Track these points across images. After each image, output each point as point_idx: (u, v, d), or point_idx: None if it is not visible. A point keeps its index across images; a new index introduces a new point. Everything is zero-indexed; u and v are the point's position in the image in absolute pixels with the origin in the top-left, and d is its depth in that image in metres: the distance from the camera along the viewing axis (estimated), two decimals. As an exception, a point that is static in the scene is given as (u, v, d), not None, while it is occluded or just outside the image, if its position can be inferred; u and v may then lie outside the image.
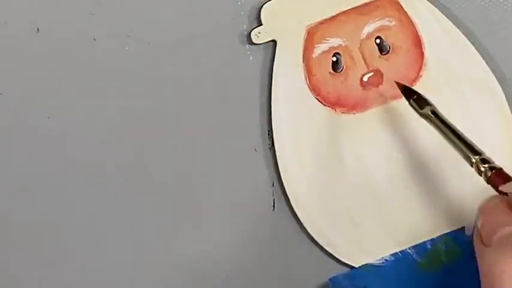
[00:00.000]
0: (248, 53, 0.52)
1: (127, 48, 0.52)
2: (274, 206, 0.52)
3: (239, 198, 0.52)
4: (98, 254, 0.53)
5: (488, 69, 0.51)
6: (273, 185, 0.52)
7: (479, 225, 0.45)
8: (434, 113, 0.47)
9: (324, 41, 0.50)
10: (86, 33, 0.52)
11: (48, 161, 0.52)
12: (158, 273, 0.53)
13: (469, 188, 0.50)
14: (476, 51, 0.51)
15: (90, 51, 0.52)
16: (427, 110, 0.47)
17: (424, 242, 0.51)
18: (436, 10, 0.51)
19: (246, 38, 0.52)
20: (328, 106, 0.51)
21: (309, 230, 0.51)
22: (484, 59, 0.51)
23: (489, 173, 0.45)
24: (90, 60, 0.52)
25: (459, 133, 0.47)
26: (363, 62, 0.51)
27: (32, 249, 0.53)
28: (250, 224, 0.52)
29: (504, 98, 0.51)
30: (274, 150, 0.51)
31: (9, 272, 0.53)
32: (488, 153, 0.49)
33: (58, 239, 0.53)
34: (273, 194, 0.52)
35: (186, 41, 0.52)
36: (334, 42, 0.50)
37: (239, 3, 0.52)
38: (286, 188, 0.51)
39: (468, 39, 0.51)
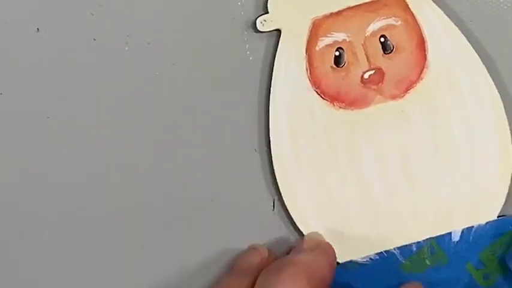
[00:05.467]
0: (248, 53, 0.52)
1: (127, 48, 0.52)
2: (274, 206, 0.52)
3: (239, 199, 0.52)
4: (96, 254, 0.53)
5: (488, 76, 0.51)
6: (273, 185, 0.52)
7: None
8: None
9: (328, 35, 0.50)
10: (86, 33, 0.52)
11: (48, 161, 0.52)
12: (157, 272, 0.53)
13: (460, 194, 0.51)
14: (479, 58, 0.51)
15: (90, 51, 0.52)
16: None
17: (410, 244, 0.51)
18: (443, 14, 0.51)
19: (246, 38, 0.52)
20: (327, 100, 0.51)
21: (297, 224, 0.51)
22: (486, 65, 0.51)
23: None
24: (90, 60, 0.52)
25: None
26: (365, 59, 0.51)
27: (30, 249, 0.53)
28: (250, 224, 0.52)
29: (502, 105, 0.51)
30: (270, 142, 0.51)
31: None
32: (483, 157, 0.50)
33: (57, 239, 0.53)
34: (273, 194, 0.52)
35: (186, 41, 0.52)
36: (339, 36, 0.51)
37: (239, 3, 0.52)
38: (278, 180, 0.51)
39: (472, 44, 0.51)
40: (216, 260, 0.52)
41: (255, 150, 0.52)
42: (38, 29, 0.52)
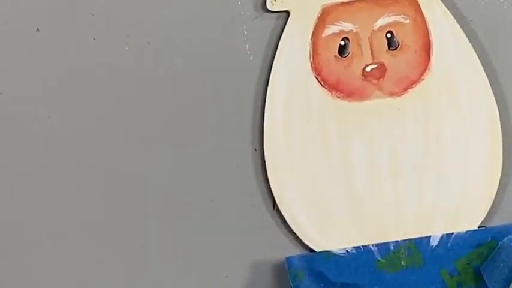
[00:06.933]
0: (248, 52, 0.52)
1: (127, 48, 0.52)
2: (274, 206, 0.52)
3: (239, 198, 0.52)
4: (96, 254, 0.53)
5: (488, 86, 0.51)
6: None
7: None
8: None
9: (336, 23, 0.51)
10: (86, 33, 0.52)
11: (48, 161, 0.52)
12: (157, 272, 0.53)
13: (444, 200, 0.51)
14: (481, 66, 0.51)
15: (90, 51, 0.52)
16: None
17: (389, 243, 0.51)
18: (452, 18, 0.51)
19: (246, 38, 0.52)
20: (326, 88, 0.51)
21: (281, 211, 0.51)
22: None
23: None
24: (90, 60, 0.52)
25: None
26: (369, 52, 0.51)
27: (31, 249, 0.53)
28: (250, 224, 0.52)
29: (498, 117, 0.51)
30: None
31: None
32: (472, 167, 0.50)
33: (57, 239, 0.53)
34: (273, 194, 0.52)
35: (186, 41, 0.52)
36: (346, 26, 0.51)
37: (239, 3, 0.52)
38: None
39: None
40: (216, 260, 0.52)
41: (255, 150, 0.52)
42: (38, 29, 0.52)
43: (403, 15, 0.51)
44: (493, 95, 0.51)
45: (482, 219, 0.51)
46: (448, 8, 0.51)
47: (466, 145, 0.51)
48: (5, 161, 0.53)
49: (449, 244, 0.51)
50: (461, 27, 0.51)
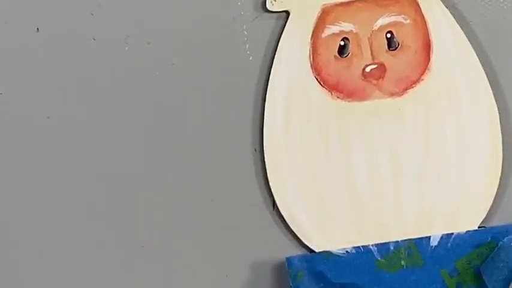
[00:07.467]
0: (248, 53, 0.52)
1: (127, 48, 0.52)
2: (274, 206, 0.52)
3: (239, 199, 0.52)
4: (96, 253, 0.53)
5: (488, 86, 0.51)
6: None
7: None
8: None
9: (336, 23, 0.51)
10: (86, 33, 0.52)
11: (48, 161, 0.52)
12: (157, 272, 0.53)
13: (444, 200, 0.51)
14: (481, 66, 0.51)
15: (90, 51, 0.52)
16: None
17: (388, 243, 0.51)
18: (452, 18, 0.51)
19: (246, 38, 0.52)
20: (326, 88, 0.51)
21: (281, 211, 0.51)
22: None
23: None
24: (90, 60, 0.52)
25: None
26: (369, 52, 0.51)
27: (31, 249, 0.53)
28: (250, 224, 0.52)
29: (498, 118, 0.51)
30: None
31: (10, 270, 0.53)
32: (472, 167, 0.50)
33: (57, 239, 0.53)
34: (273, 194, 0.52)
35: (186, 41, 0.52)
36: (346, 27, 0.51)
37: (239, 3, 0.52)
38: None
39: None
40: (216, 260, 0.52)
41: (255, 150, 0.52)
42: (38, 29, 0.52)
43: (403, 16, 0.51)
44: (492, 95, 0.51)
45: (482, 219, 0.51)
46: (447, 8, 0.51)
47: (466, 145, 0.51)
48: (5, 161, 0.53)
49: (449, 244, 0.51)
50: (461, 27, 0.51)
